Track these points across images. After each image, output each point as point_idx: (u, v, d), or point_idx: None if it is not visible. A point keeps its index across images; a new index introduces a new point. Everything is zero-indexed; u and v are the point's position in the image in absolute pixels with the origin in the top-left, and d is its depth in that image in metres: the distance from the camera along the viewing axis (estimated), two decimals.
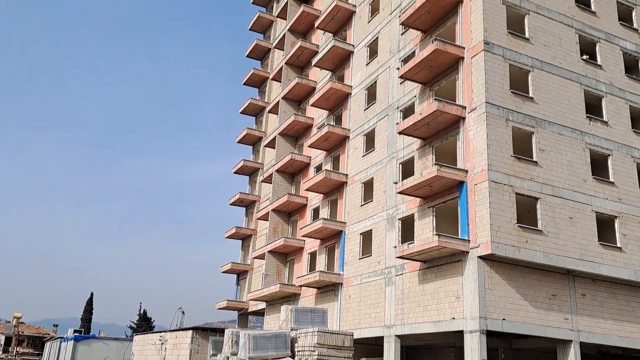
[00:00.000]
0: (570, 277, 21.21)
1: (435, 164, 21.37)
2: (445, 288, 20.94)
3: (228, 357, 19.00)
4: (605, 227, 22.49)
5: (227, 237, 44.70)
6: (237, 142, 47.45)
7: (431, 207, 22.85)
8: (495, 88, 21.62)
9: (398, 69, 26.12)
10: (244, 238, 44.98)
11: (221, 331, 27.72)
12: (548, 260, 20.29)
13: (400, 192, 23.06)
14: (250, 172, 46.49)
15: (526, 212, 21.18)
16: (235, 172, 46.52)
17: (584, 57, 24.55)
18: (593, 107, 24.18)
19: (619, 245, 22.14)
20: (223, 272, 43.61)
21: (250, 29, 50.63)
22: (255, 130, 45.96)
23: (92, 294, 75.61)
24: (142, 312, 71.12)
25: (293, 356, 17.36)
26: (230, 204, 45.64)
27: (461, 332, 19.68)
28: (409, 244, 22.44)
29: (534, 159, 21.49)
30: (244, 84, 48.81)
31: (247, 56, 49.73)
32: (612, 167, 23.32)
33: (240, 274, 44.25)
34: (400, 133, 24.18)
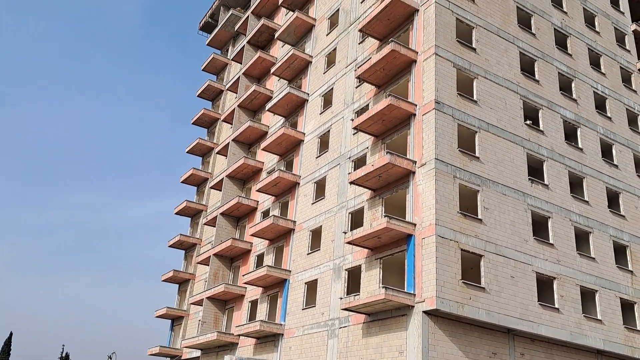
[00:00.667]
0: (511, 336, 21.43)
1: (385, 216, 21.46)
2: (389, 342, 20.65)
3: None
4: (544, 287, 23.05)
5: (163, 281, 42.99)
6: (182, 182, 46.45)
7: (379, 259, 22.79)
8: (445, 146, 22.19)
9: (352, 120, 26.50)
10: (182, 282, 43.41)
11: None
12: (490, 318, 20.45)
13: (349, 243, 22.91)
14: (192, 213, 45.38)
15: (470, 268, 21.44)
16: (176, 213, 45.30)
17: (528, 122, 25.74)
18: (535, 170, 25.20)
19: (557, 306, 22.67)
20: (157, 316, 41.70)
21: (203, 70, 50.66)
22: (202, 171, 45.20)
23: (11, 334, 70.32)
24: (64, 355, 66.65)
25: None
26: (169, 246, 44.21)
27: None
28: (355, 295, 22.15)
29: (479, 217, 21.96)
30: (192, 124, 48.31)
31: (198, 96, 49.48)
32: (552, 229, 24.15)
33: (175, 320, 42.41)
34: (351, 183, 24.27)
